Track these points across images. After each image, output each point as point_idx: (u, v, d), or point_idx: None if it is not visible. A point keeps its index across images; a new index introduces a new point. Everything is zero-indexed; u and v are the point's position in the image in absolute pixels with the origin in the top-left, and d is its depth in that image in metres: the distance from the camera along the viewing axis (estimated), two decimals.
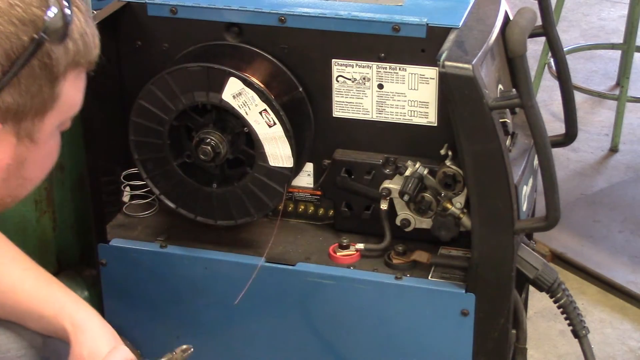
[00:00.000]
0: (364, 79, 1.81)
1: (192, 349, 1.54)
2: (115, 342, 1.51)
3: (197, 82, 1.76)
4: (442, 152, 1.76)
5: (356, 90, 1.83)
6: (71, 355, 1.48)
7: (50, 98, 1.18)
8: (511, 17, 1.82)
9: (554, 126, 3.54)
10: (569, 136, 2.01)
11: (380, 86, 1.81)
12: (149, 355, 2.00)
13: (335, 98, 1.84)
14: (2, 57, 1.11)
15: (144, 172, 1.88)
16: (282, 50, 1.82)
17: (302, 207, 1.95)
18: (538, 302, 2.72)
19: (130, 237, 1.95)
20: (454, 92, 1.63)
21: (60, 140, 1.28)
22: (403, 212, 1.83)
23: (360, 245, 1.86)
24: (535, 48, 3.75)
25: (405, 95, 1.80)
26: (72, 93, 1.22)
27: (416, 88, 1.79)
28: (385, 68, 1.79)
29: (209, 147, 1.79)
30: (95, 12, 1.96)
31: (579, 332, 1.87)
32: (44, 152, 1.24)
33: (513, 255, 1.72)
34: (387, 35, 1.76)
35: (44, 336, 1.58)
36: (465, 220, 1.74)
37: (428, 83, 1.78)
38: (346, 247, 1.87)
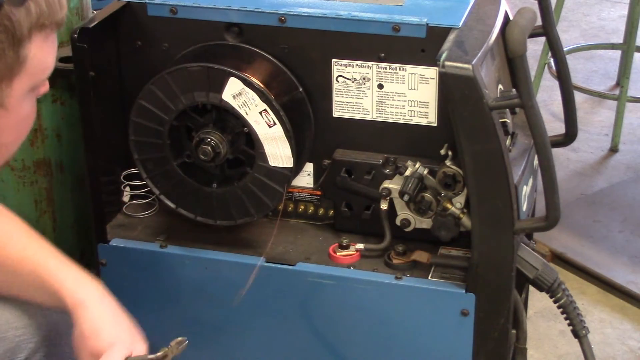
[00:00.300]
0: (364, 79, 1.81)
1: (187, 341, 1.53)
2: (116, 318, 1.49)
3: (197, 82, 1.76)
4: (442, 152, 1.76)
5: (356, 90, 1.83)
6: (74, 333, 1.46)
7: (16, 62, 1.16)
8: (511, 17, 1.82)
9: (554, 126, 3.54)
10: (569, 136, 2.01)
11: (380, 86, 1.81)
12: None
13: (335, 98, 1.84)
14: None
15: (144, 172, 1.88)
16: (282, 50, 1.82)
17: (302, 207, 1.95)
18: (538, 302, 2.72)
19: (130, 237, 1.95)
20: (454, 92, 1.63)
21: (35, 105, 1.26)
22: (403, 212, 1.83)
23: (360, 245, 1.86)
24: (535, 48, 3.75)
25: (405, 95, 1.80)
26: (40, 56, 1.19)
27: (416, 88, 1.79)
28: (385, 68, 1.79)
29: (209, 147, 1.79)
30: (95, 12, 1.96)
31: (579, 332, 1.87)
32: (17, 117, 1.22)
33: (513, 255, 1.72)
34: (387, 35, 1.76)
35: (45, 314, 1.56)
36: (465, 220, 1.74)
37: (428, 83, 1.78)
38: (346, 247, 1.87)
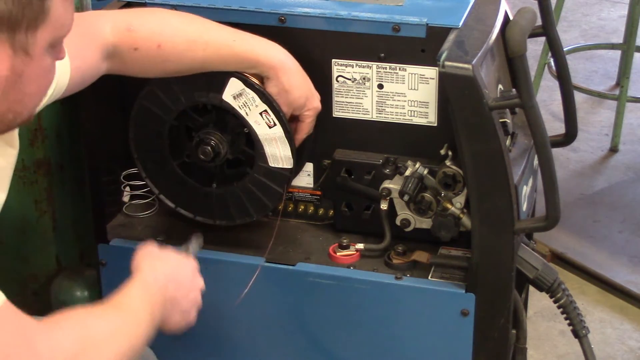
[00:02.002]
0: (364, 79, 1.81)
1: (202, 236, 1.78)
2: (304, 75, 1.77)
3: (197, 82, 1.76)
4: (442, 152, 1.76)
5: (356, 90, 1.83)
6: (273, 91, 1.75)
7: (41, 12, 1.26)
8: (511, 17, 1.82)
9: (554, 126, 3.54)
10: (569, 136, 2.01)
11: (380, 86, 1.81)
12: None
13: (335, 98, 1.84)
14: None
15: (143, 171, 1.89)
16: None
17: (302, 207, 1.95)
18: (538, 302, 2.72)
19: (130, 237, 1.95)
20: (454, 92, 1.63)
21: (55, 65, 1.35)
22: (403, 212, 1.83)
23: (360, 245, 1.86)
24: (535, 48, 3.76)
25: (405, 95, 1.80)
26: (61, 10, 1.29)
27: (416, 88, 1.79)
28: (385, 68, 1.79)
29: (209, 147, 1.79)
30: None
31: (579, 332, 1.87)
32: (39, 68, 1.31)
33: (513, 255, 1.72)
34: (387, 35, 1.76)
35: None
36: (465, 220, 1.74)
37: (428, 83, 1.78)
38: (346, 247, 1.86)
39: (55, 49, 1.34)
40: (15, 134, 1.50)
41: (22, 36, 1.26)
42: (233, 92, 1.76)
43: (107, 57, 1.69)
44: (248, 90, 1.75)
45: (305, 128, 1.80)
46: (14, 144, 1.51)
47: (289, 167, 1.80)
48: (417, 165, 1.78)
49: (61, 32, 1.32)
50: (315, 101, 1.79)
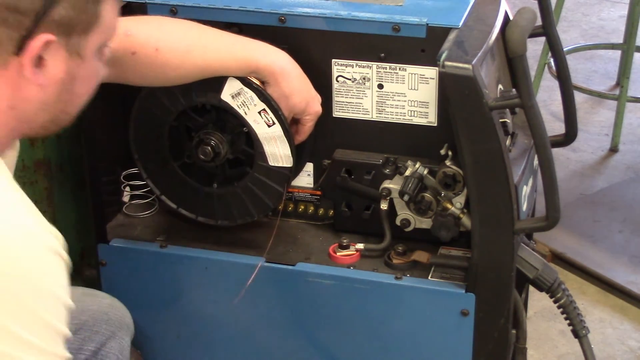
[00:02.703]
0: (364, 79, 1.81)
1: None
2: (305, 79, 1.78)
3: (196, 83, 1.76)
4: (442, 152, 1.76)
5: (356, 90, 1.83)
6: (273, 94, 1.76)
7: (94, 16, 1.33)
8: (511, 17, 1.82)
9: (554, 126, 3.54)
10: (569, 136, 2.01)
11: (380, 86, 1.81)
12: (150, 357, 2.01)
13: (335, 98, 1.84)
14: None
15: (144, 172, 1.89)
16: (282, 50, 1.81)
17: (302, 207, 1.95)
18: (538, 302, 2.72)
19: (130, 237, 1.95)
20: (454, 92, 1.63)
21: (101, 66, 1.42)
22: (403, 212, 1.83)
23: (360, 245, 1.86)
24: (535, 48, 3.75)
25: (405, 95, 1.80)
26: (110, 16, 1.37)
27: (416, 88, 1.79)
28: (385, 68, 1.79)
29: (209, 147, 1.79)
30: None
31: (579, 332, 1.87)
32: (89, 69, 1.38)
33: (513, 255, 1.72)
34: (387, 35, 1.76)
35: (84, 305, 1.77)
36: (465, 220, 1.74)
37: (428, 83, 1.78)
38: (346, 247, 1.86)
39: (101, 52, 1.40)
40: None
41: (76, 40, 1.32)
42: (231, 92, 1.76)
43: (107, 64, 1.68)
44: (246, 89, 1.75)
45: (305, 131, 1.80)
46: (14, 145, 1.52)
47: (289, 165, 1.80)
48: (417, 165, 1.78)
49: (109, 35, 1.39)
50: (315, 105, 1.79)
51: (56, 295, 1.25)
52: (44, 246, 1.25)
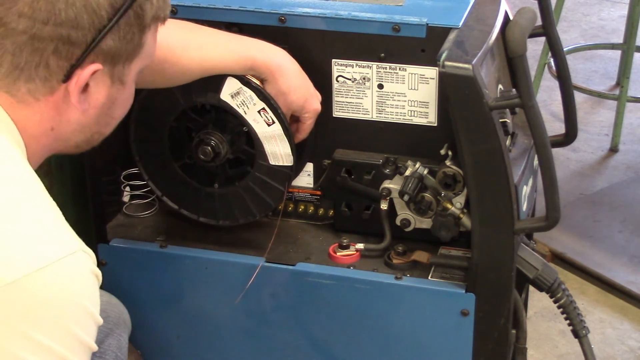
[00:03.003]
0: (364, 79, 1.81)
1: None
2: (303, 75, 1.77)
3: (195, 83, 1.76)
4: (442, 152, 1.76)
5: (356, 90, 1.83)
6: (271, 92, 1.75)
7: (139, 45, 1.37)
8: (511, 17, 1.82)
9: (554, 126, 3.54)
10: (569, 136, 2.01)
11: (380, 86, 1.81)
12: (150, 357, 2.01)
13: (335, 98, 1.84)
14: (108, 6, 1.30)
15: (145, 173, 1.89)
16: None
17: (302, 207, 1.95)
18: (538, 302, 2.72)
19: (130, 237, 1.96)
20: (454, 92, 1.63)
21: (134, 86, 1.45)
22: (403, 212, 1.83)
23: (360, 245, 1.86)
24: (535, 48, 3.76)
25: (405, 95, 1.80)
26: (152, 43, 1.41)
27: (416, 88, 1.79)
28: (385, 68, 1.79)
29: (209, 148, 1.79)
30: None
31: (579, 332, 1.86)
32: (128, 94, 1.43)
33: (513, 255, 1.72)
34: (387, 35, 1.76)
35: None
36: (465, 220, 1.74)
37: (428, 83, 1.78)
38: (346, 247, 1.87)
39: (140, 74, 1.43)
40: None
41: (120, 67, 1.37)
42: (230, 91, 1.76)
43: None
44: (245, 88, 1.75)
45: (305, 129, 1.80)
46: None
47: (289, 164, 1.80)
48: (417, 165, 1.78)
49: (149, 60, 1.43)
50: (314, 103, 1.79)
51: (90, 313, 1.27)
52: (87, 268, 1.27)
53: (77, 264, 1.26)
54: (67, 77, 1.31)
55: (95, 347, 1.29)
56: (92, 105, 1.36)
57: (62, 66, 1.31)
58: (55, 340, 1.21)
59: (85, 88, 1.34)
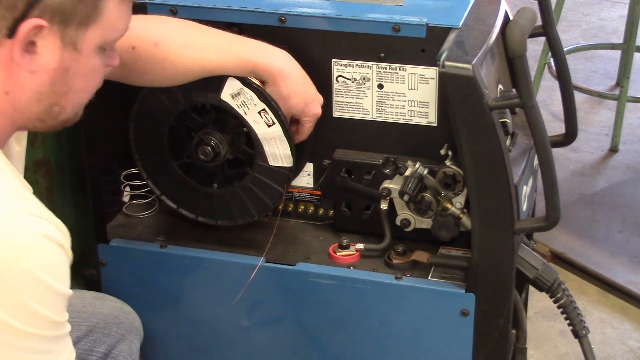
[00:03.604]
0: (364, 79, 1.81)
1: None
2: (305, 79, 1.77)
3: (195, 83, 1.76)
4: (442, 152, 1.76)
5: (356, 90, 1.83)
6: (272, 92, 1.75)
7: (94, 10, 1.32)
8: (511, 17, 1.82)
9: (554, 126, 3.54)
10: (569, 136, 2.01)
11: (380, 86, 1.81)
12: (150, 357, 2.01)
13: (335, 98, 1.84)
14: None
15: (144, 172, 1.89)
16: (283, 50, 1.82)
17: (302, 207, 1.95)
18: (538, 302, 2.72)
19: (130, 237, 1.96)
20: (454, 92, 1.63)
21: (103, 68, 1.42)
22: (403, 212, 1.83)
23: (360, 245, 1.86)
24: (535, 48, 3.76)
25: (405, 95, 1.80)
26: (115, 15, 1.36)
27: (416, 88, 1.79)
28: (385, 68, 1.79)
29: (209, 148, 1.79)
30: None
31: (579, 332, 1.87)
32: (86, 66, 1.37)
33: (513, 255, 1.72)
34: (387, 35, 1.76)
35: (94, 308, 1.82)
36: (465, 220, 1.74)
37: (428, 83, 1.78)
38: (346, 247, 1.86)
39: (106, 52, 1.40)
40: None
41: (73, 31, 1.32)
42: (231, 92, 1.76)
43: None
44: (246, 89, 1.75)
45: (305, 131, 1.80)
46: (20, 140, 1.54)
47: (289, 165, 1.80)
48: (417, 165, 1.78)
49: (113, 35, 1.38)
50: (314, 107, 1.78)
51: (42, 281, 1.24)
52: (36, 232, 1.25)
53: (22, 225, 1.24)
54: (12, 32, 1.29)
55: (57, 318, 1.27)
56: (42, 68, 1.33)
57: (6, 18, 1.28)
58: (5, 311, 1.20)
59: (33, 48, 1.31)
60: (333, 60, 1.81)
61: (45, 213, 1.29)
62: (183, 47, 1.71)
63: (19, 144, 1.52)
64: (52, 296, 1.27)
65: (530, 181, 1.87)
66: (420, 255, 1.83)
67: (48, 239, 1.26)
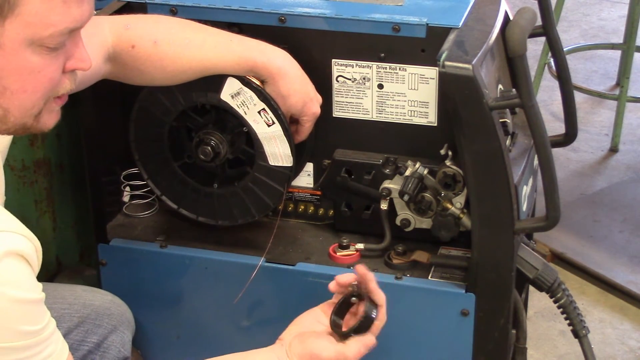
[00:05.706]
0: (364, 79, 1.81)
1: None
2: (304, 79, 1.76)
3: (195, 83, 1.76)
4: (442, 152, 1.76)
5: (356, 90, 1.83)
6: (271, 91, 1.75)
7: (5, 2, 1.22)
8: (511, 17, 1.82)
9: (554, 126, 3.54)
10: (569, 136, 2.01)
11: (380, 86, 1.81)
12: (149, 357, 2.01)
13: (335, 98, 1.84)
14: None
15: (144, 172, 1.89)
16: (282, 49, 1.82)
17: (302, 207, 1.95)
18: (538, 302, 2.72)
19: (130, 237, 1.95)
20: (454, 92, 1.63)
21: (57, 69, 1.30)
22: (403, 212, 1.83)
23: (360, 245, 1.86)
24: (535, 48, 3.76)
25: (405, 95, 1.80)
26: (39, 7, 1.24)
27: (416, 88, 1.79)
28: (385, 68, 1.79)
29: (209, 148, 1.79)
30: (95, 12, 1.96)
31: (579, 332, 1.87)
32: (16, 63, 1.26)
33: (513, 255, 1.72)
34: (387, 35, 1.76)
35: (86, 300, 1.82)
36: (465, 220, 1.74)
37: (428, 83, 1.78)
38: (346, 247, 1.86)
39: (58, 53, 1.30)
40: None
41: None
42: (231, 92, 1.76)
43: (108, 60, 1.69)
44: (246, 89, 1.75)
45: (304, 131, 1.80)
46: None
47: (289, 165, 1.80)
48: (417, 165, 1.78)
49: (41, 31, 1.26)
50: (314, 107, 1.78)
51: (16, 298, 1.23)
52: (2, 252, 1.22)
53: None
54: None
55: (32, 328, 1.26)
56: None
57: None
58: None
59: None
60: (333, 60, 1.81)
61: (10, 223, 1.25)
62: (182, 46, 1.71)
63: None
64: (29, 307, 1.25)
65: (530, 181, 1.87)
66: (420, 255, 1.83)
67: (13, 256, 1.23)
